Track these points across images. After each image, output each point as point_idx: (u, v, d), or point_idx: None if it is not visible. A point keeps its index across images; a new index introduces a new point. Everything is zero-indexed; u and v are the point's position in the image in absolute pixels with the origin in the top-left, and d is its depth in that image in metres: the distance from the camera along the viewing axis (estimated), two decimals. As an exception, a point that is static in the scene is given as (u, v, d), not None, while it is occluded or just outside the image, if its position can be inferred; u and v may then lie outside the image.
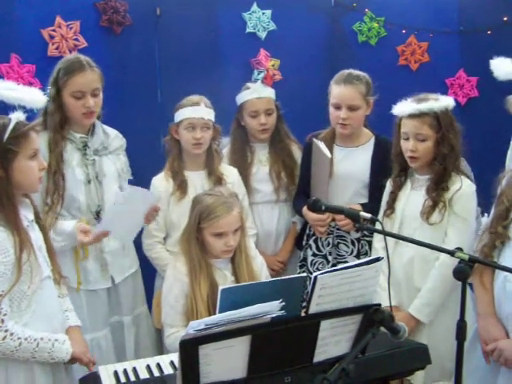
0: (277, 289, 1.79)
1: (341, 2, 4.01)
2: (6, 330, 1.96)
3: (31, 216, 2.14)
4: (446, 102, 2.56)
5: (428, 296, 2.53)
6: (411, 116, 2.53)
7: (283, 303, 1.72)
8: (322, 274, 1.80)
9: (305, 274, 1.94)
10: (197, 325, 1.64)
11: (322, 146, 2.90)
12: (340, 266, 1.89)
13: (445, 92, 4.10)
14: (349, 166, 2.94)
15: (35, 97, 2.21)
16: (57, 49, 3.35)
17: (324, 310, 1.86)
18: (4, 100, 2.13)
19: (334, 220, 2.90)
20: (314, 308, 1.85)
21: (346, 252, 2.95)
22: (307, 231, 3.07)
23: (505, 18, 4.06)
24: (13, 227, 1.99)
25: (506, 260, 2.15)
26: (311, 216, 2.90)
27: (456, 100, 4.10)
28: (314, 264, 2.98)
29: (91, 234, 2.51)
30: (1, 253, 1.95)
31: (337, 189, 2.93)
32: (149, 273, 3.01)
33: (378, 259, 1.90)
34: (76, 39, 3.39)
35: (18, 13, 3.28)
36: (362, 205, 2.85)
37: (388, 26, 4.05)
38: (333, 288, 1.84)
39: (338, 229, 2.94)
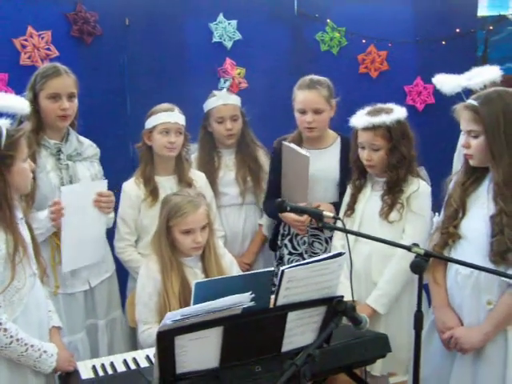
0: (247, 282, 1.91)
1: (303, 13, 4.13)
2: (0, 324, 2.04)
3: (20, 214, 2.23)
4: (397, 114, 2.70)
5: (384, 287, 2.68)
6: (365, 128, 2.69)
7: (253, 295, 1.84)
8: (289, 267, 1.94)
9: (272, 268, 2.05)
10: (173, 315, 1.75)
11: (296, 147, 3.00)
12: (305, 261, 2.02)
13: (403, 98, 4.29)
14: (318, 166, 3.03)
15: (20, 104, 2.31)
16: (29, 58, 3.41)
17: (291, 302, 2.00)
18: None
19: (311, 220, 3.00)
20: (281, 300, 1.98)
21: (320, 250, 3.07)
22: (281, 231, 3.18)
23: (457, 30, 4.27)
24: (7, 226, 2.08)
25: (457, 256, 2.30)
26: (290, 217, 3.00)
27: (414, 106, 4.35)
28: (291, 262, 3.05)
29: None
30: None
31: (310, 189, 3.03)
32: (123, 276, 3.09)
33: (340, 254, 2.05)
34: (48, 48, 3.45)
35: (-10, 22, 3.34)
36: (334, 204, 2.98)
37: (349, 35, 4.19)
38: (299, 281, 1.97)
39: (312, 228, 3.06)
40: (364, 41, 4.24)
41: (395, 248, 2.46)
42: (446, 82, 2.50)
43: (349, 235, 2.54)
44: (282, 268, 1.92)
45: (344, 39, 4.21)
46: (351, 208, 2.83)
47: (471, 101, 2.26)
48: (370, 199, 2.80)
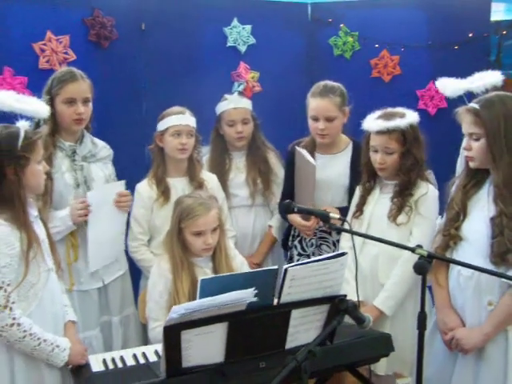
0: (251, 279, 1.97)
1: (317, 18, 4.20)
2: (14, 318, 2.13)
3: (35, 212, 2.32)
4: (410, 118, 2.74)
5: (391, 289, 2.71)
6: (379, 132, 2.72)
7: (256, 291, 1.91)
8: (292, 266, 2.00)
9: (276, 267, 2.11)
10: (178, 309, 1.82)
11: (306, 154, 3.05)
12: (308, 260, 2.08)
13: (415, 103, 4.32)
14: (329, 171, 3.11)
15: (42, 108, 2.44)
16: (47, 62, 3.51)
17: (294, 300, 2.06)
18: (14, 111, 2.33)
19: (318, 223, 3.06)
20: (285, 298, 2.04)
21: (328, 252, 3.10)
22: (292, 232, 3.24)
23: (470, 34, 4.28)
24: (21, 224, 2.17)
25: (458, 257, 2.35)
26: (297, 221, 3.08)
27: (426, 110, 4.37)
28: None
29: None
30: (7, 246, 2.12)
31: (319, 193, 3.10)
32: (136, 274, 3.17)
33: (342, 254, 2.11)
34: (66, 53, 3.55)
35: (11, 28, 3.43)
36: (341, 208, 3.02)
37: (362, 40, 4.24)
38: (302, 279, 2.03)
39: (320, 231, 3.12)
40: (377, 45, 4.27)
41: (402, 250, 2.50)
42: (449, 86, 2.54)
43: (356, 237, 2.63)
44: (284, 266, 1.99)
45: (357, 44, 4.26)
46: (360, 210, 2.88)
47: (473, 104, 2.31)
48: (379, 202, 2.84)
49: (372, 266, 2.77)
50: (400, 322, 2.74)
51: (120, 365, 2.25)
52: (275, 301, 2.05)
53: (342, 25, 4.23)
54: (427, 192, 2.74)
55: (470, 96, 2.45)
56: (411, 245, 2.31)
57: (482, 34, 4.34)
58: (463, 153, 2.40)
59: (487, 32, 4.36)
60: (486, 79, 2.39)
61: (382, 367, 2.74)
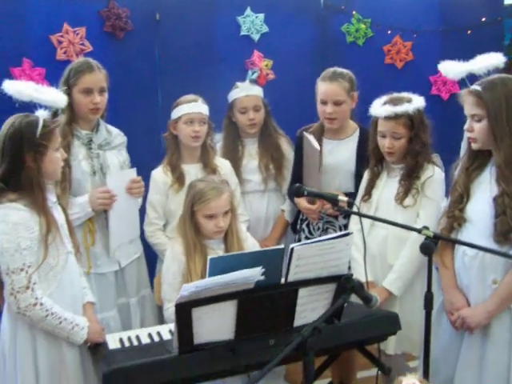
0: (259, 258, 2.05)
1: (330, 5, 4.22)
2: (36, 298, 2.24)
3: (54, 198, 2.43)
4: (417, 102, 2.78)
5: (400, 270, 2.77)
6: (387, 118, 2.77)
7: (264, 269, 1.98)
8: (298, 245, 2.07)
9: (282, 246, 2.18)
10: (189, 287, 1.91)
11: (312, 138, 3.11)
12: (313, 239, 2.15)
13: (428, 88, 4.36)
14: (337, 156, 3.17)
15: (60, 98, 2.53)
16: (65, 53, 3.61)
17: (301, 279, 2.13)
18: (33, 101, 2.41)
19: (322, 207, 3.13)
20: (292, 277, 2.11)
21: None
22: (300, 216, 3.31)
23: (483, 19, 4.30)
24: (40, 210, 2.27)
25: (463, 238, 2.41)
26: (303, 205, 3.15)
27: (439, 96, 4.40)
28: None
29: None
30: (27, 230, 2.22)
31: (327, 178, 3.17)
32: (152, 258, 3.26)
33: (347, 234, 2.18)
34: (82, 44, 3.64)
35: (29, 21, 3.54)
36: (347, 194, 3.08)
37: (374, 26, 4.27)
38: (308, 258, 2.10)
39: (327, 215, 3.18)
40: (389, 32, 4.31)
41: (410, 232, 2.55)
42: (451, 69, 2.58)
43: (365, 220, 2.70)
44: (291, 246, 2.06)
45: (370, 30, 4.28)
46: (368, 193, 2.93)
47: (475, 86, 2.35)
48: (387, 185, 2.89)
49: (381, 247, 2.82)
50: (409, 303, 2.80)
51: (135, 343, 2.34)
52: (282, 280, 2.13)
53: (354, 12, 4.25)
54: (433, 174, 2.79)
55: (472, 79, 2.49)
56: (418, 227, 2.38)
57: (495, 18, 4.35)
58: (466, 135, 2.44)
59: (500, 16, 4.37)
60: (488, 61, 2.42)
61: (391, 347, 2.80)
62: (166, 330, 2.43)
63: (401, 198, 2.79)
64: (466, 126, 2.41)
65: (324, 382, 3.39)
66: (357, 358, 3.18)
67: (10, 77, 3.28)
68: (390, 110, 2.75)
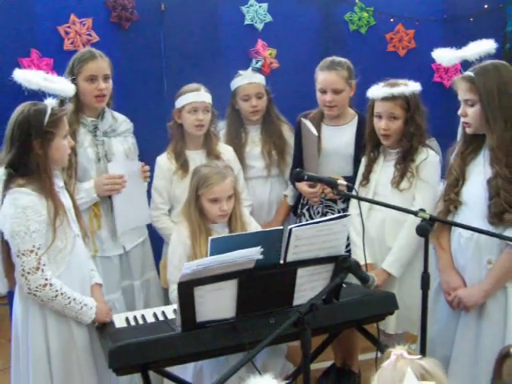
0: (258, 239, 2.12)
1: (332, -6, 4.30)
2: (46, 279, 2.32)
3: (61, 183, 2.52)
4: (414, 87, 2.87)
5: (398, 252, 2.84)
6: (385, 99, 2.85)
7: (263, 249, 2.05)
8: (296, 227, 2.14)
9: (281, 227, 2.26)
10: (190, 265, 1.99)
11: (309, 124, 3.18)
12: (311, 221, 2.22)
13: (431, 76, 4.40)
14: (336, 142, 3.24)
15: (68, 87, 2.62)
16: (72, 43, 3.68)
17: (299, 259, 2.21)
18: (42, 89, 2.50)
19: (323, 192, 3.21)
20: (291, 257, 2.19)
21: None
22: (301, 201, 3.38)
23: (485, 6, 4.32)
24: (47, 194, 2.35)
25: (459, 221, 2.47)
26: (304, 189, 3.22)
27: (441, 83, 4.44)
28: None
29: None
30: (35, 213, 2.31)
31: (326, 163, 3.23)
32: (158, 242, 3.35)
33: (345, 216, 2.25)
34: (89, 34, 3.71)
35: (37, 12, 3.60)
36: (346, 178, 3.14)
37: (377, 15, 4.30)
38: (306, 239, 2.17)
39: (327, 199, 3.25)
40: (392, 20, 4.33)
41: (408, 214, 2.62)
42: (445, 55, 2.64)
43: (363, 204, 2.77)
44: (289, 227, 2.13)
45: (372, 19, 4.31)
46: (366, 178, 3.00)
47: (468, 72, 2.42)
48: (383, 170, 2.96)
49: (379, 230, 2.90)
50: (408, 283, 2.87)
51: (141, 322, 2.43)
52: (282, 261, 2.20)
53: (357, 0, 4.28)
54: (427, 157, 2.85)
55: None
56: (414, 209, 2.44)
57: (498, 5, 4.38)
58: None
59: (502, 3, 4.39)
60: (480, 48, 2.49)
61: (391, 326, 2.88)
62: (171, 310, 2.53)
63: (397, 182, 2.86)
64: (459, 111, 2.47)
65: (326, 363, 3.49)
66: (358, 340, 3.26)
67: (19, 67, 3.35)
68: (388, 91, 2.84)
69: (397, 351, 1.50)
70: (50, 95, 2.48)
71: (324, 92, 3.19)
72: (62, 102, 2.75)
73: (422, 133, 2.87)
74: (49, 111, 2.36)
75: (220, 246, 2.08)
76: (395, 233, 2.86)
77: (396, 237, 2.86)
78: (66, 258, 2.43)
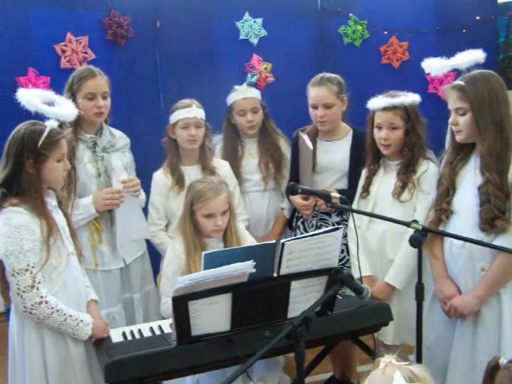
0: (251, 253, 2.14)
1: (327, 8, 4.32)
2: (42, 297, 2.33)
3: (54, 202, 2.52)
4: (413, 98, 2.92)
5: (400, 264, 2.86)
6: (385, 109, 2.89)
7: (255, 263, 2.08)
8: (289, 240, 2.17)
9: (274, 241, 2.27)
10: (183, 279, 2.01)
11: (306, 138, 3.22)
12: (303, 235, 2.24)
13: (426, 87, 4.43)
14: (330, 157, 3.27)
15: (68, 111, 2.64)
16: (68, 61, 3.73)
17: (293, 272, 2.23)
18: (38, 112, 2.51)
19: (316, 204, 3.24)
20: (284, 270, 2.21)
21: None
22: (296, 214, 3.41)
23: (477, 17, 4.37)
24: (40, 213, 2.37)
25: (450, 230, 2.50)
26: (297, 201, 3.25)
27: (436, 94, 4.47)
28: None
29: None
30: (29, 232, 2.33)
31: (320, 178, 3.27)
32: (155, 256, 3.36)
33: (336, 229, 2.27)
34: (85, 52, 3.77)
35: (34, 31, 3.67)
36: (340, 191, 3.17)
37: (371, 28, 4.37)
38: (299, 253, 2.19)
39: (321, 213, 3.27)
40: (386, 32, 4.40)
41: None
42: (434, 65, 2.68)
43: (364, 216, 2.84)
44: (282, 241, 2.15)
45: (366, 32, 4.38)
46: (366, 190, 3.03)
47: (458, 81, 2.45)
48: (383, 181, 2.98)
49: (380, 242, 2.92)
50: (407, 294, 2.85)
51: (137, 336, 2.45)
52: (275, 274, 2.22)
53: (351, 14, 4.34)
54: (428, 169, 2.88)
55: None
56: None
57: (490, 16, 4.42)
58: (451, 129, 2.54)
59: (494, 14, 4.44)
60: (469, 57, 2.53)
61: (389, 337, 2.90)
62: (167, 325, 2.53)
63: (398, 193, 2.89)
64: (450, 120, 2.51)
65: (326, 375, 3.50)
66: (356, 352, 3.27)
67: (16, 86, 3.41)
68: (388, 101, 2.89)
69: (386, 359, 1.51)
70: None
71: (316, 107, 3.23)
72: (62, 126, 2.79)
73: (423, 144, 2.91)
74: (46, 133, 2.37)
75: (213, 261, 2.10)
76: (396, 245, 2.87)
77: (397, 249, 2.87)
78: (61, 276, 2.44)
